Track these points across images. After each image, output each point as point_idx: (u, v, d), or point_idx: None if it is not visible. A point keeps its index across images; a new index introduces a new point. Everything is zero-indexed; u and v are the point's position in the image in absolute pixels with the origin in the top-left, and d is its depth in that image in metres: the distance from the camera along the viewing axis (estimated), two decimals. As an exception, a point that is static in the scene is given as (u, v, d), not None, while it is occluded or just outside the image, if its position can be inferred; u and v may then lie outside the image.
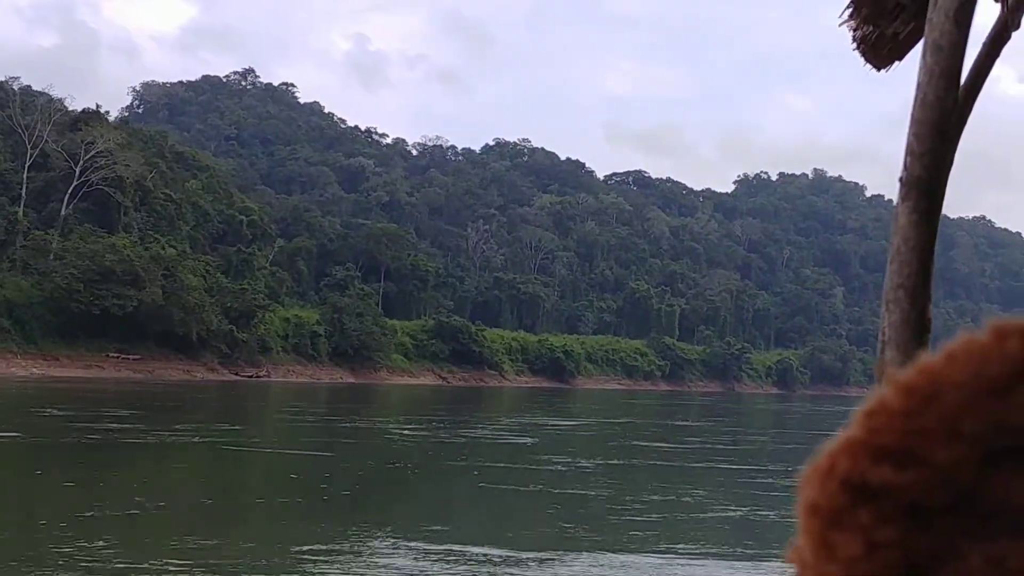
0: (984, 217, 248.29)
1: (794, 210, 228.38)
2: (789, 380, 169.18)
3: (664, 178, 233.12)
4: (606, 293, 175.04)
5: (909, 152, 1.83)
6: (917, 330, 2.13)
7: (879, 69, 2.70)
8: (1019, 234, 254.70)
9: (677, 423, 71.64)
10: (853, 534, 0.34)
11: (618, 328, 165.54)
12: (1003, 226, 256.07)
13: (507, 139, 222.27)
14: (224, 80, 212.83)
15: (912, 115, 1.82)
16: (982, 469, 0.33)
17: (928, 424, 0.33)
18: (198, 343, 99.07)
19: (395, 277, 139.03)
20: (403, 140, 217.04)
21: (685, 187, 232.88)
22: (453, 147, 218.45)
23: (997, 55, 2.28)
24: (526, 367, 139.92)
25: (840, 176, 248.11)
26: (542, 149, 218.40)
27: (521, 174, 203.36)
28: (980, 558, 0.32)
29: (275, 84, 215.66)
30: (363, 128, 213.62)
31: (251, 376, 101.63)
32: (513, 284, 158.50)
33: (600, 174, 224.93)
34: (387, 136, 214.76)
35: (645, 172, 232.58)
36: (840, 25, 2.61)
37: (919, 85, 1.83)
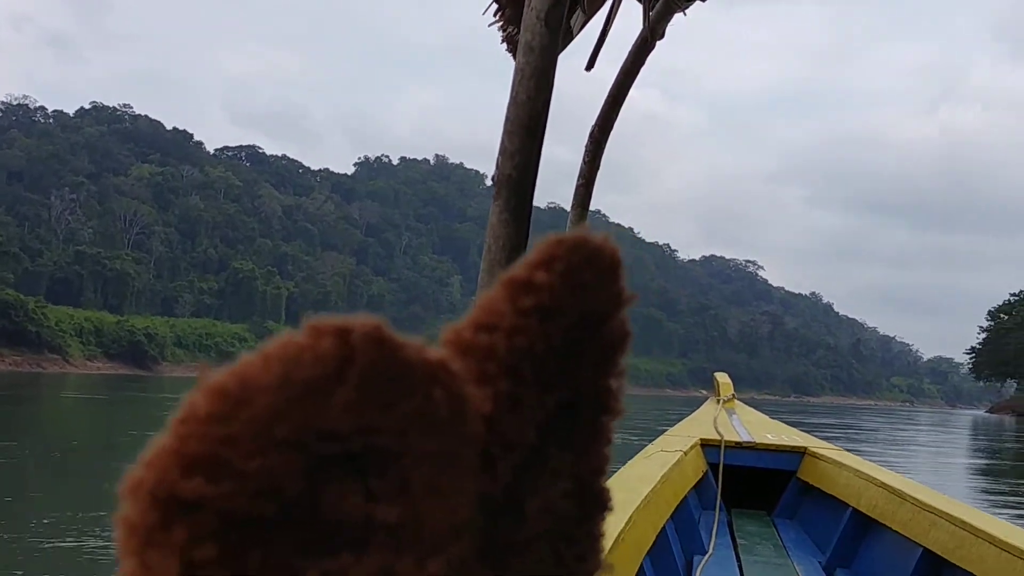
0: (599, 212, 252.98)
1: (415, 195, 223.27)
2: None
3: (279, 155, 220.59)
4: (208, 273, 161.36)
5: (501, 151, 1.84)
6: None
7: None
8: (631, 230, 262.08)
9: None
10: (169, 554, 0.29)
11: (219, 311, 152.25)
12: (617, 221, 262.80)
13: (106, 103, 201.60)
14: None
15: (506, 115, 1.84)
16: (312, 478, 0.30)
17: (238, 431, 0.29)
18: None
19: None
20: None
21: (302, 166, 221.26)
22: (42, 108, 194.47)
23: (642, 63, 2.57)
24: (100, 351, 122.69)
25: (462, 163, 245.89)
26: (145, 116, 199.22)
27: (119, 141, 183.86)
28: (318, 574, 0.30)
29: None
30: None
31: None
32: (98, 259, 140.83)
33: (211, 147, 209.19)
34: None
35: (259, 148, 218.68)
36: (490, 26, 2.67)
37: (512, 85, 1.85)
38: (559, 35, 1.71)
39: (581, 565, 0.36)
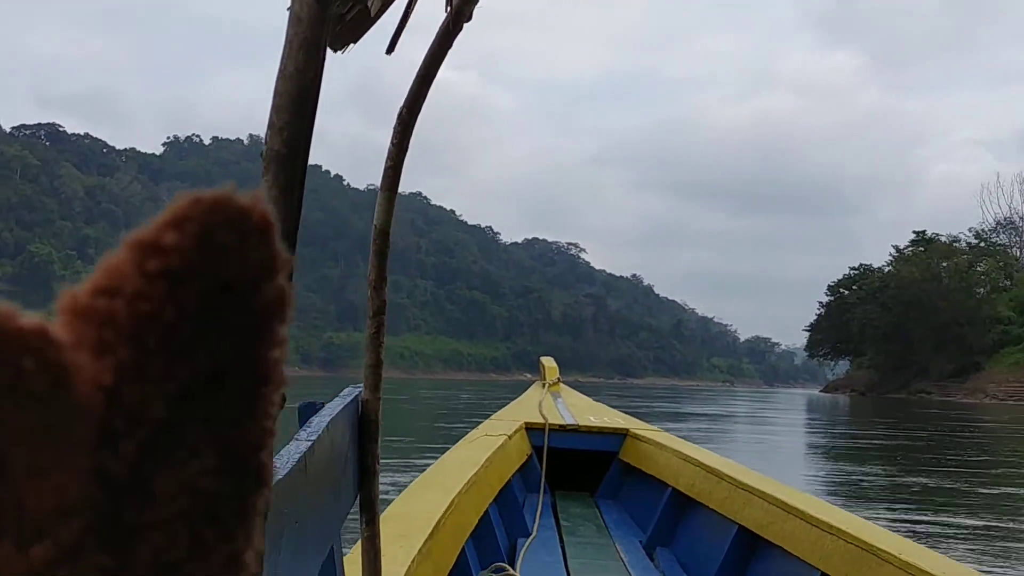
0: (421, 194, 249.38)
1: (227, 175, 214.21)
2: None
3: (81, 133, 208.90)
4: (2, 258, 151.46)
5: (269, 126, 1.67)
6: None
7: (335, 50, 2.82)
8: (453, 212, 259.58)
9: None
10: None
11: (14, 297, 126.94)
12: (439, 204, 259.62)
13: None
14: None
15: (274, 88, 1.69)
16: None
17: None
18: None
19: None
20: None
21: (106, 145, 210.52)
22: None
23: (450, 45, 2.61)
24: None
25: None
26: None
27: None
28: None
29: None
30: None
31: None
32: None
33: (7, 126, 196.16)
34: None
35: (59, 126, 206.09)
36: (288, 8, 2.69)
37: (282, 57, 1.70)
38: (329, 6, 1.64)
39: (226, 545, 0.33)
